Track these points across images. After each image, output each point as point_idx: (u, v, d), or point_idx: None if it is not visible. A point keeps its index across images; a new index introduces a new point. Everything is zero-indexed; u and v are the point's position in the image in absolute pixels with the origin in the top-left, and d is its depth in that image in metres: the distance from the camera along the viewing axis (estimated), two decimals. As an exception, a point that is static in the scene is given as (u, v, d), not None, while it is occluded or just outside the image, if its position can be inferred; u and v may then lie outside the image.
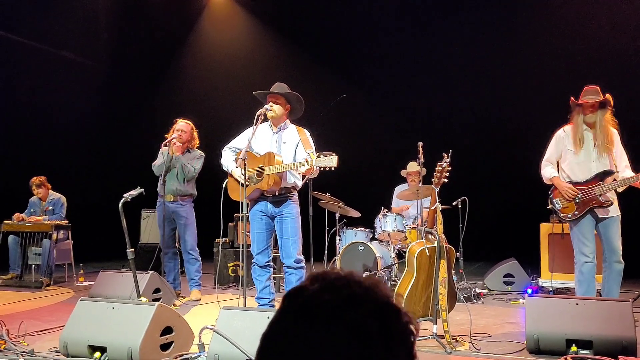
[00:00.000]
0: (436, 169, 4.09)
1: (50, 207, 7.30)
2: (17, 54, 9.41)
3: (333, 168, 4.05)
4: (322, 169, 4.13)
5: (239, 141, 4.79)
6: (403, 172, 7.07)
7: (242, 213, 4.27)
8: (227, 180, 4.70)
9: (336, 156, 4.05)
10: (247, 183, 4.38)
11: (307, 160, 4.16)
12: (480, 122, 9.53)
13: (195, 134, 6.04)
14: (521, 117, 8.83)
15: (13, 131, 9.68)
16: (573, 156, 4.49)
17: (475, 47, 9.34)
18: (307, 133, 4.64)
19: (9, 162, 9.47)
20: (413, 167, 6.79)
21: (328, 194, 6.59)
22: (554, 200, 4.53)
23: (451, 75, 9.55)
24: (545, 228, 6.19)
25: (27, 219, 7.12)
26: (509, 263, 6.54)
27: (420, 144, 4.70)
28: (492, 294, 6.22)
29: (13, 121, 9.76)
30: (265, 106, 4.53)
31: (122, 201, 4.25)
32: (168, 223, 5.89)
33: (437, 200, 4.11)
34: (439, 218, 4.11)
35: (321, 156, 4.09)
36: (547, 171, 4.59)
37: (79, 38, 9.86)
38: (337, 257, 6.52)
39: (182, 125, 5.93)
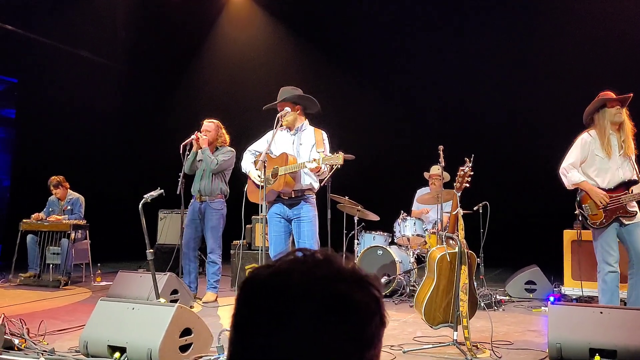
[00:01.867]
0: (458, 173, 4.10)
1: (69, 207, 7.42)
2: (36, 54, 9.58)
3: (339, 165, 4.16)
4: (329, 166, 4.23)
5: (259, 145, 4.89)
6: (426, 175, 7.07)
7: (261, 215, 4.34)
8: (247, 184, 4.79)
9: (342, 154, 4.15)
10: (263, 184, 4.44)
11: (314, 159, 4.25)
12: (503, 125, 9.49)
13: (223, 131, 6.10)
14: (544, 120, 8.79)
15: (32, 130, 9.88)
16: (601, 162, 4.40)
17: (499, 47, 9.30)
18: (324, 134, 4.71)
19: (28, 162, 9.66)
20: (435, 169, 6.79)
21: (347, 197, 6.62)
22: (583, 205, 4.45)
23: (474, 76, 9.52)
24: (568, 234, 6.15)
25: (45, 219, 7.25)
26: (530, 270, 6.51)
27: (441, 147, 4.71)
28: (514, 301, 6.20)
29: (32, 121, 9.96)
30: (280, 113, 4.59)
31: (142, 202, 4.32)
32: (193, 223, 5.95)
33: (459, 205, 4.13)
34: (460, 223, 4.12)
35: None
36: (575, 175, 4.45)
37: (98, 38, 10.02)
38: (355, 261, 6.53)
39: (207, 125, 6.01)
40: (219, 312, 5.44)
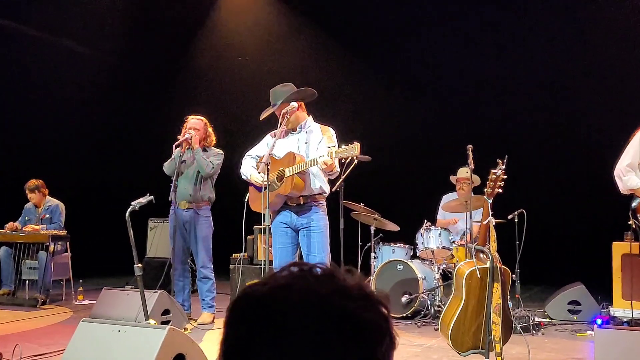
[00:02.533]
0: (489, 177, 4.08)
1: (48, 215, 7.46)
2: (4, 40, 9.59)
3: (355, 159, 4.14)
4: (343, 160, 4.21)
5: (259, 149, 4.90)
6: (452, 179, 7.05)
7: (263, 224, 4.34)
8: (248, 192, 4.80)
9: (357, 144, 4.11)
10: (267, 184, 4.44)
11: (329, 152, 4.23)
12: (541, 122, 9.43)
13: (211, 129, 6.13)
14: (590, 117, 8.72)
15: (7, 130, 9.94)
16: None
17: (537, 35, 9.26)
18: (331, 130, 4.73)
19: (3, 164, 9.72)
20: (463, 172, 6.77)
21: (362, 204, 6.61)
22: (639, 215, 4.39)
23: (507, 68, 9.46)
24: (618, 247, 6.09)
25: (21, 228, 7.30)
26: (574, 288, 6.46)
27: (470, 147, 4.69)
28: (555, 324, 6.17)
29: (7, 119, 10.02)
30: (286, 109, 4.61)
31: (129, 210, 4.34)
32: (180, 234, 5.96)
33: (490, 214, 4.11)
34: (492, 234, 4.10)
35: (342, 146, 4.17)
36: (633, 180, 4.38)
37: (81, 25, 10.06)
38: (372, 277, 6.54)
39: (194, 122, 6.01)
40: (216, 336, 5.44)
